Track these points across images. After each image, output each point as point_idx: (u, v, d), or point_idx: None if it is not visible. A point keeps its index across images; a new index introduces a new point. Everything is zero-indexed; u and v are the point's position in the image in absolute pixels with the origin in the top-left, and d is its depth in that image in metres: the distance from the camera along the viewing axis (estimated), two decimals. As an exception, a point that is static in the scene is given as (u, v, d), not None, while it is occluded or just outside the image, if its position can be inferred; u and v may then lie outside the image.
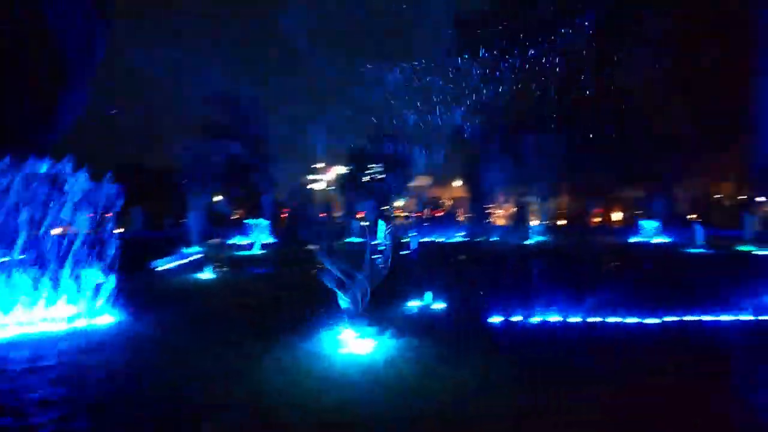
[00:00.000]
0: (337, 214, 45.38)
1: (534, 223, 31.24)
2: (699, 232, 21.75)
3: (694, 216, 23.51)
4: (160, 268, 15.61)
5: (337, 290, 7.85)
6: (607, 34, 31.90)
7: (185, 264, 16.57)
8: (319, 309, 8.97)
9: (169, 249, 17.81)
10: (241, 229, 25.53)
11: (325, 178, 70.72)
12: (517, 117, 35.72)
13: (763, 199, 37.01)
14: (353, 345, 7.30)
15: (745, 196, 37.92)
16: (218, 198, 37.29)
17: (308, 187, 66.87)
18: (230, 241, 23.53)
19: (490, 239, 26.91)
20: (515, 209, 40.13)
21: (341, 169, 59.78)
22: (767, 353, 7.16)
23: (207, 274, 14.31)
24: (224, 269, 15.42)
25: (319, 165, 70.45)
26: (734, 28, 27.81)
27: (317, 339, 7.62)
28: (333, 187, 63.77)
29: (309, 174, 70.11)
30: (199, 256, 17.99)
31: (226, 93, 39.79)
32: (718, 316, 8.85)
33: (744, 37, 26.85)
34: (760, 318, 8.84)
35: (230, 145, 38.02)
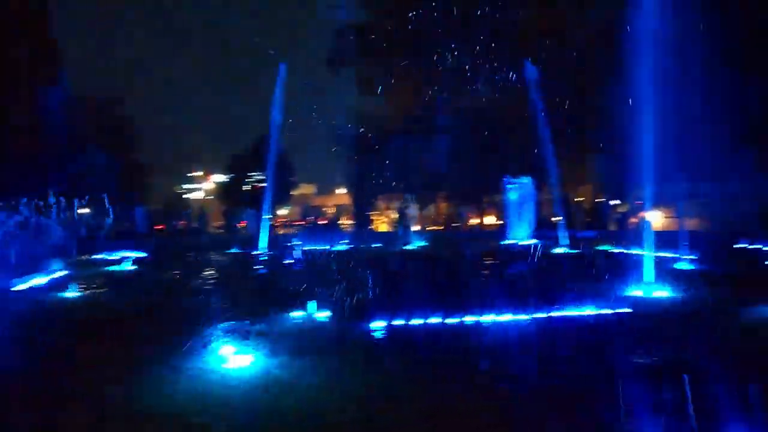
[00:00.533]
0: (217, 224, 43.88)
1: (415, 228, 32.09)
2: (563, 233, 23.47)
3: (558, 218, 25.34)
4: (18, 288, 14.23)
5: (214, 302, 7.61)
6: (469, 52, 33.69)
7: (48, 282, 15.24)
8: (196, 324, 8.66)
9: (30, 266, 16.29)
10: (111, 243, 23.94)
11: (203, 186, 68.17)
12: (397, 126, 36.68)
13: (617, 202, 40.77)
14: (233, 360, 7.08)
15: (602, 200, 41.59)
16: (84, 210, 34.68)
17: (185, 197, 64.23)
18: (98, 257, 21.99)
19: (373, 246, 27.31)
20: (396, 216, 41.05)
21: (221, 177, 58.00)
22: (636, 343, 7.79)
23: (72, 293, 13.25)
24: (91, 286, 14.37)
25: (196, 173, 67.77)
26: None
27: (195, 354, 7.31)
28: (212, 196, 61.79)
29: (186, 183, 67.33)
30: (63, 273, 16.63)
31: (91, 96, 37.30)
32: (584, 310, 9.60)
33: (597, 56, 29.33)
34: (619, 311, 9.71)
35: (95, 153, 35.64)
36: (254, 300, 11.53)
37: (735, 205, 23.98)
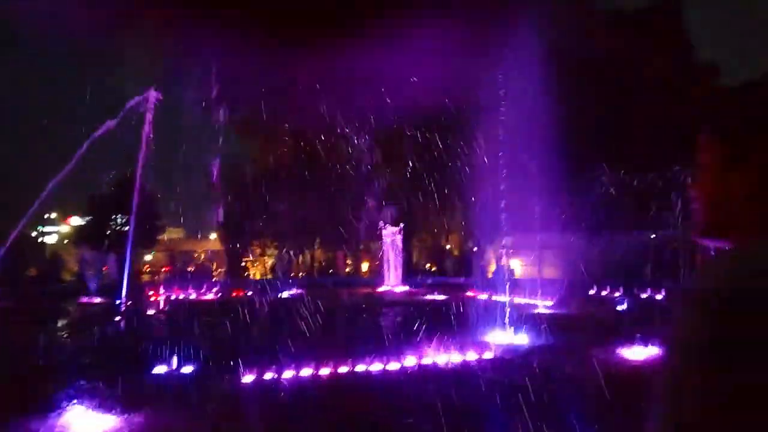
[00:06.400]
0: (72, 270, 40.43)
1: (291, 275, 31.69)
2: (432, 280, 24.31)
3: (429, 266, 26.26)
4: None
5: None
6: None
7: None
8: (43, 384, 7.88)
9: None
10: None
11: (60, 230, 62.89)
12: (270, 172, 36.47)
13: (484, 248, 43.00)
14: (82, 420, 6.50)
15: (473, 247, 43.73)
16: None
17: (39, 241, 58.98)
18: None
19: (247, 294, 26.49)
20: (273, 262, 40.36)
21: (79, 220, 54.01)
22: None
23: None
24: None
25: (52, 215, 62.48)
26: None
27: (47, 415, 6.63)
28: (67, 240, 57.10)
29: (40, 225, 61.90)
30: None
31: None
32: (450, 357, 9.96)
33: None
34: (483, 357, 10.18)
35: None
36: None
37: (586, 255, 26.16)
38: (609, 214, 25.49)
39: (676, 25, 33.74)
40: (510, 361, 10.17)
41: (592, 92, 27.39)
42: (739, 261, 1.07)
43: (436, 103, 32.13)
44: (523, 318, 13.53)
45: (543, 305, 17.87)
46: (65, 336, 14.59)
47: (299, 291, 27.11)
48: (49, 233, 62.41)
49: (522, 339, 12.18)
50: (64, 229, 61.80)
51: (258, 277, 42.07)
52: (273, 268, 39.29)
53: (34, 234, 59.62)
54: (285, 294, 25.96)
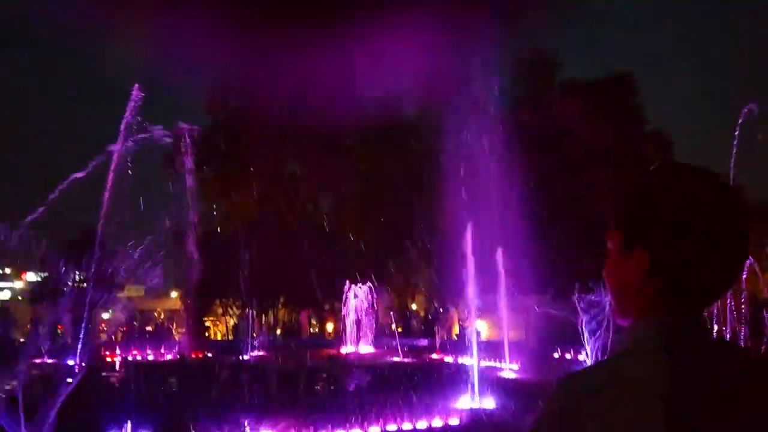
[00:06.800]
0: (24, 329, 38.82)
1: (254, 334, 30.90)
2: (398, 342, 24.07)
3: (394, 326, 26.05)
4: None
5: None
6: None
7: None
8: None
9: None
10: None
11: (14, 286, 60.52)
12: (235, 228, 36.18)
13: (450, 310, 42.87)
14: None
15: (439, 308, 43.56)
16: None
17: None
18: None
19: (207, 355, 25.74)
20: (234, 322, 39.41)
21: (34, 276, 52.31)
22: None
23: None
24: None
25: (6, 270, 60.26)
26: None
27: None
28: (21, 297, 54.97)
29: (-8, 282, 59.73)
30: None
31: None
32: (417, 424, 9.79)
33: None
34: (450, 424, 10.03)
35: None
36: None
37: (548, 317, 26.32)
38: (571, 275, 25.87)
39: (629, 96, 35.16)
40: (476, 427, 10.05)
41: (549, 159, 28.41)
42: (619, 340, 1.24)
43: (402, 168, 32.85)
44: (488, 382, 13.46)
45: (509, 369, 17.82)
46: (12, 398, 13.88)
47: (262, 352, 26.47)
48: (1, 289, 60.09)
49: (488, 403, 12.07)
50: (19, 285, 59.64)
51: (219, 337, 41.03)
52: (235, 329, 38.36)
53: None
54: (247, 356, 25.31)
